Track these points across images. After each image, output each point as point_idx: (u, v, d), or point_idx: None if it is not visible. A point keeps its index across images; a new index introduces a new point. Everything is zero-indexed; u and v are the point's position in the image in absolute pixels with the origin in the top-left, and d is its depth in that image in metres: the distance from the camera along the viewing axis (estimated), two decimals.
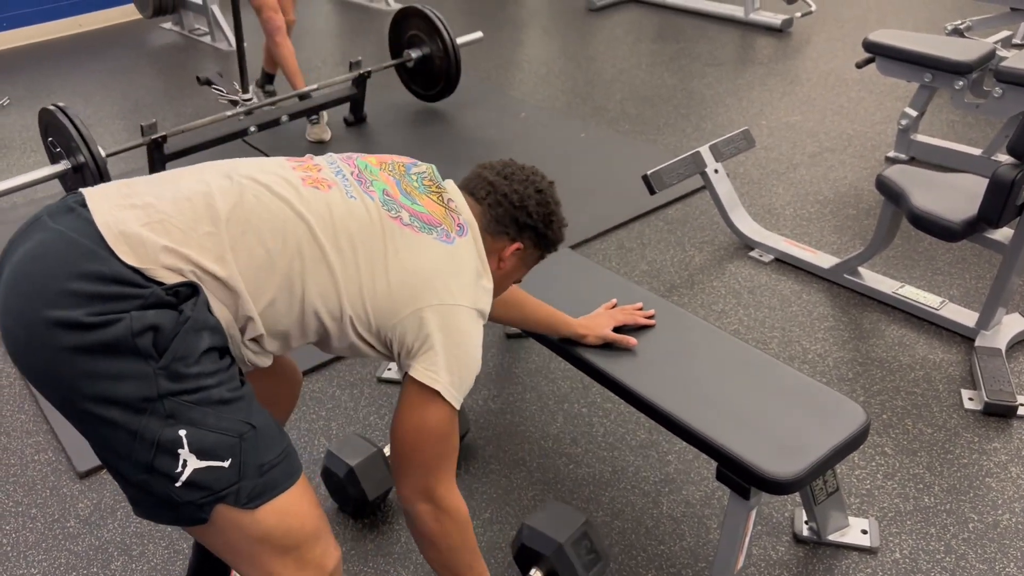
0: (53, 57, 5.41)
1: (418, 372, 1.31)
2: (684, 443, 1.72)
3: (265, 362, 1.35)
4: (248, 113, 3.82)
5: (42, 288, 1.13)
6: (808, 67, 4.56)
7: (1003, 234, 2.32)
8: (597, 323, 1.86)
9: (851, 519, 1.91)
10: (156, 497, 1.16)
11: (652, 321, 1.89)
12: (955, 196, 2.33)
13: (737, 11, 5.27)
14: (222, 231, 1.22)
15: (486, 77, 4.71)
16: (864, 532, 1.89)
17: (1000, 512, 1.94)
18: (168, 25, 5.88)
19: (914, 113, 3.42)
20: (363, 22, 5.75)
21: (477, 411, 2.32)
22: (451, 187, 1.45)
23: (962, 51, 3.20)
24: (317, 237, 1.27)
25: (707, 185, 2.96)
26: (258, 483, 1.19)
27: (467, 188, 1.48)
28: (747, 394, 1.66)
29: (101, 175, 3.12)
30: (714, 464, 1.60)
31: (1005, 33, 4.32)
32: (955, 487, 2.01)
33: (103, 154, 3.14)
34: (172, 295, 1.16)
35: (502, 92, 4.51)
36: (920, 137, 3.50)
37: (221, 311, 1.23)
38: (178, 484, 1.14)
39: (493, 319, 1.68)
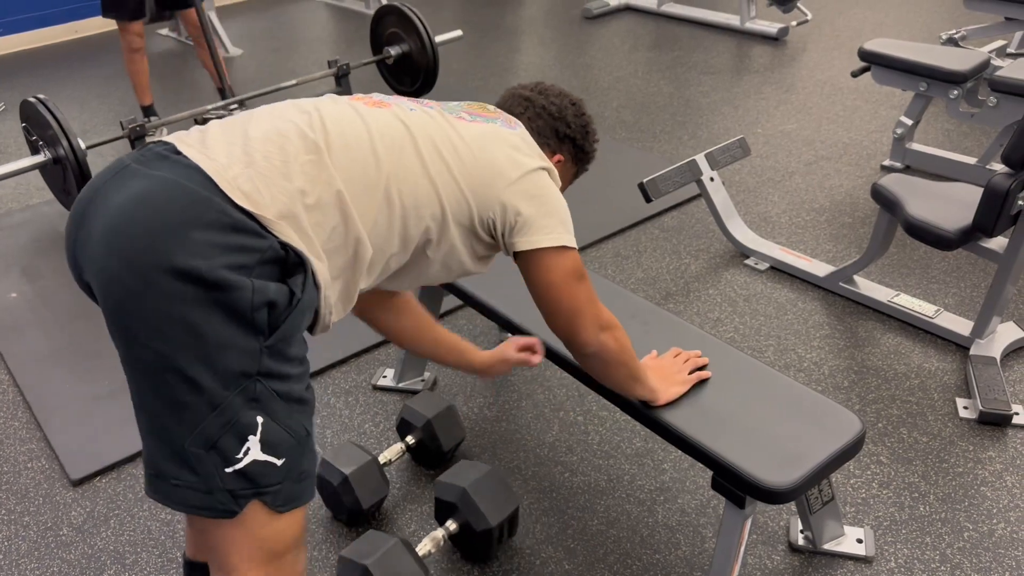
0: (49, 63, 5.41)
1: (533, 241, 1.36)
2: (680, 452, 1.72)
3: (342, 312, 1.33)
4: (233, 108, 3.83)
5: (162, 234, 1.08)
6: (804, 76, 4.58)
7: (998, 243, 2.33)
8: (500, 349, 1.81)
9: (846, 528, 1.91)
10: (197, 476, 1.14)
11: (537, 359, 1.80)
12: (950, 205, 2.34)
13: (733, 20, 5.29)
14: (324, 158, 1.23)
15: (483, 84, 4.72)
16: (859, 541, 1.89)
17: (995, 521, 1.94)
18: (165, 31, 5.88)
19: (909, 122, 3.43)
20: (360, 29, 5.75)
21: (473, 419, 2.32)
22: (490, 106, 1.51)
23: (957, 60, 3.21)
24: (402, 147, 1.30)
25: (703, 193, 2.96)
26: (294, 489, 1.20)
27: (504, 106, 1.54)
28: (743, 403, 1.66)
29: (80, 167, 3.13)
30: (710, 473, 1.60)
31: (1000, 43, 4.34)
32: (950, 496, 2.01)
33: (83, 146, 3.15)
34: (284, 250, 1.15)
35: (497, 99, 4.50)
36: (915, 146, 3.51)
37: (329, 252, 1.22)
38: (229, 470, 1.13)
39: (382, 330, 1.73)
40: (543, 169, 1.41)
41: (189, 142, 1.20)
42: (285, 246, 1.15)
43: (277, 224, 1.16)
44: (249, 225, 1.13)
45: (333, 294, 1.27)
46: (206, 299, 1.08)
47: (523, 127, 1.48)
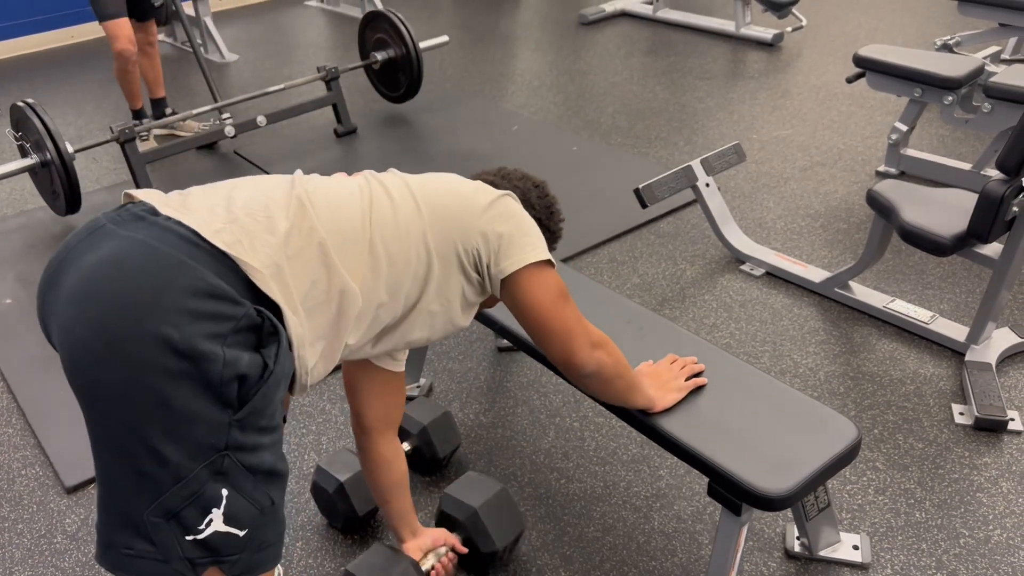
0: (45, 68, 5.40)
1: (520, 259, 1.39)
2: (676, 458, 1.72)
3: (323, 371, 1.32)
4: (225, 117, 3.83)
5: (132, 299, 1.06)
6: (799, 81, 4.59)
7: (993, 249, 2.33)
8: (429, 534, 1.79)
9: (842, 534, 1.91)
10: (154, 546, 1.12)
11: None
12: (945, 211, 2.34)
13: (728, 25, 5.30)
14: (308, 211, 1.25)
15: (479, 90, 4.72)
16: (856, 548, 1.89)
17: (991, 528, 1.94)
18: (161, 37, 5.87)
19: (904, 128, 3.44)
20: (355, 34, 5.75)
21: (468, 425, 2.32)
22: None
23: (951, 66, 3.22)
24: (379, 198, 1.35)
25: (698, 199, 2.96)
26: (254, 558, 1.19)
27: None
28: (738, 409, 1.66)
29: (67, 171, 3.14)
30: (706, 479, 1.60)
31: (994, 48, 4.35)
32: (946, 502, 2.01)
33: (71, 150, 3.16)
34: (260, 318, 1.12)
35: (495, 105, 4.52)
36: (910, 151, 3.52)
37: (310, 309, 1.22)
38: (189, 539, 1.11)
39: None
40: (507, 195, 1.45)
41: (169, 203, 1.19)
42: (261, 313, 1.13)
43: (259, 274, 1.14)
44: (225, 291, 1.10)
45: (313, 356, 1.25)
46: (175, 370, 1.05)
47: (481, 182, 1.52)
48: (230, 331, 1.09)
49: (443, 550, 1.78)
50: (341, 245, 1.26)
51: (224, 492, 1.12)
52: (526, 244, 1.40)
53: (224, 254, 1.13)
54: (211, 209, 1.19)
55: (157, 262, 1.09)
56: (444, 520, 1.86)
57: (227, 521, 1.13)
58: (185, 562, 1.13)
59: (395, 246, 1.32)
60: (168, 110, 4.22)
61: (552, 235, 1.61)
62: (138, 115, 4.17)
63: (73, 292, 1.10)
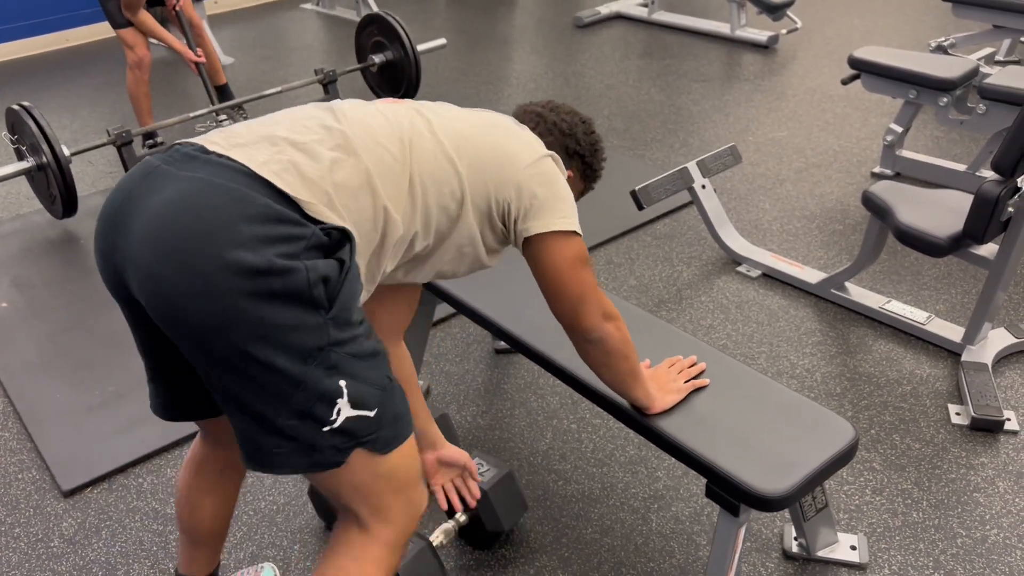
0: (41, 71, 5.39)
1: (547, 223, 1.39)
2: (673, 459, 1.72)
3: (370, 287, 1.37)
4: (219, 114, 3.83)
5: (210, 233, 1.11)
6: (794, 83, 4.60)
7: (988, 250, 2.34)
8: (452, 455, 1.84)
9: (840, 535, 1.91)
10: (299, 443, 1.18)
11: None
12: (940, 212, 2.35)
13: (723, 28, 5.31)
14: (350, 141, 1.27)
15: (475, 93, 4.73)
16: (853, 548, 1.89)
17: (988, 527, 1.95)
18: (156, 40, 5.87)
19: (899, 129, 3.45)
20: (350, 36, 5.75)
21: (466, 427, 2.32)
22: None
23: (946, 68, 3.23)
24: (421, 133, 1.34)
25: (694, 201, 2.97)
26: (393, 431, 1.25)
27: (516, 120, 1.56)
28: (736, 410, 1.66)
29: (63, 174, 3.14)
30: (703, 480, 1.60)
31: (988, 50, 4.37)
32: (943, 502, 2.02)
33: (67, 153, 3.16)
34: (327, 235, 1.18)
35: (491, 108, 4.50)
36: (905, 153, 3.53)
37: (359, 230, 1.25)
38: (326, 430, 1.18)
39: None
40: (550, 156, 1.45)
41: (215, 140, 1.24)
42: (327, 231, 1.18)
43: (311, 205, 1.18)
44: (290, 215, 1.15)
45: (362, 269, 1.29)
46: (264, 288, 1.11)
47: (530, 133, 1.51)
48: (302, 249, 1.15)
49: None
50: (384, 173, 1.28)
51: (342, 383, 1.18)
52: (557, 210, 1.41)
53: (275, 186, 1.18)
54: (256, 143, 1.23)
55: (224, 196, 1.14)
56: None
57: (354, 406, 1.19)
58: (330, 449, 1.20)
59: (431, 181, 1.33)
60: (150, 141, 3.99)
61: (593, 173, 1.63)
62: (149, 136, 3.99)
63: (148, 233, 1.14)
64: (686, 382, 1.70)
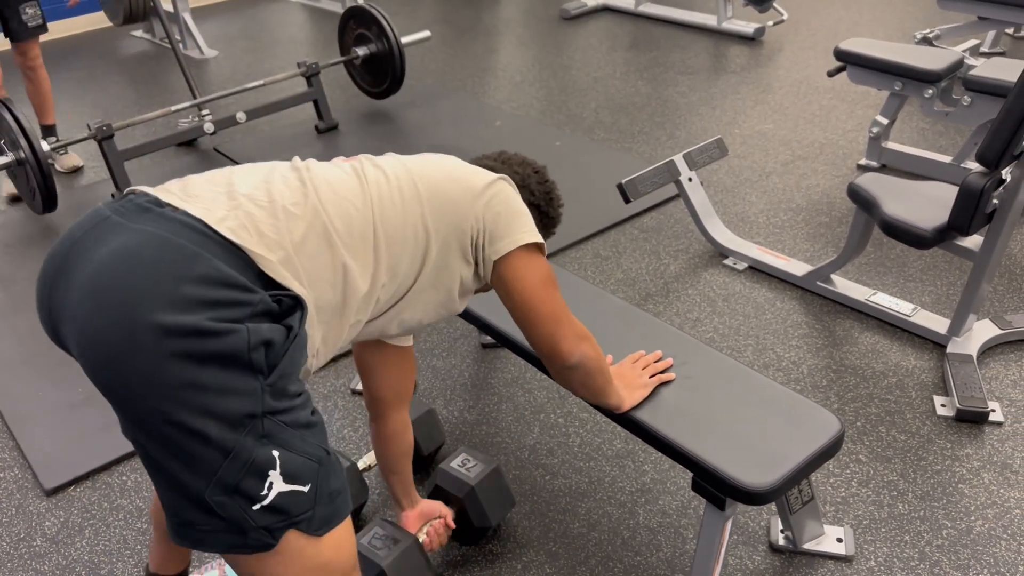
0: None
1: (512, 240, 1.40)
2: (660, 453, 1.72)
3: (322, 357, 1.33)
4: (205, 113, 3.80)
5: (149, 291, 1.05)
6: (780, 75, 4.60)
7: (973, 241, 2.35)
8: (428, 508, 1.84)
9: (826, 527, 1.92)
10: (226, 521, 1.10)
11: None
12: (926, 204, 2.35)
13: (710, 20, 5.30)
14: (310, 195, 1.25)
15: (461, 86, 4.71)
16: (839, 540, 1.89)
17: (973, 518, 1.95)
18: (139, 33, 5.82)
19: (885, 121, 3.45)
20: (335, 29, 5.72)
21: (453, 422, 2.31)
22: None
23: (931, 60, 3.24)
24: (378, 181, 1.35)
25: (681, 194, 2.96)
26: (328, 510, 1.18)
27: None
28: (722, 404, 1.66)
29: (42, 169, 3.11)
30: (690, 474, 1.60)
31: (973, 42, 4.37)
32: (929, 494, 2.02)
33: (46, 148, 3.13)
34: (276, 303, 1.13)
35: (477, 100, 4.50)
36: (891, 145, 3.54)
37: (317, 290, 1.22)
38: (257, 507, 1.10)
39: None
40: (503, 178, 1.46)
41: (171, 190, 1.20)
42: (276, 298, 1.14)
43: (268, 262, 1.14)
44: (238, 280, 1.10)
45: (317, 337, 1.25)
46: (196, 348, 1.05)
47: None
48: (247, 316, 1.09)
49: (436, 521, 1.83)
50: (344, 227, 1.26)
51: (275, 453, 1.11)
52: (520, 224, 1.41)
53: (232, 243, 1.13)
54: (213, 197, 1.19)
55: (170, 253, 1.09)
56: (439, 494, 1.89)
57: (288, 480, 1.12)
58: (260, 530, 1.12)
59: (394, 227, 1.32)
60: (52, 139, 3.92)
61: (551, 221, 1.63)
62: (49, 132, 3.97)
63: (86, 287, 1.09)
64: (651, 376, 1.70)
